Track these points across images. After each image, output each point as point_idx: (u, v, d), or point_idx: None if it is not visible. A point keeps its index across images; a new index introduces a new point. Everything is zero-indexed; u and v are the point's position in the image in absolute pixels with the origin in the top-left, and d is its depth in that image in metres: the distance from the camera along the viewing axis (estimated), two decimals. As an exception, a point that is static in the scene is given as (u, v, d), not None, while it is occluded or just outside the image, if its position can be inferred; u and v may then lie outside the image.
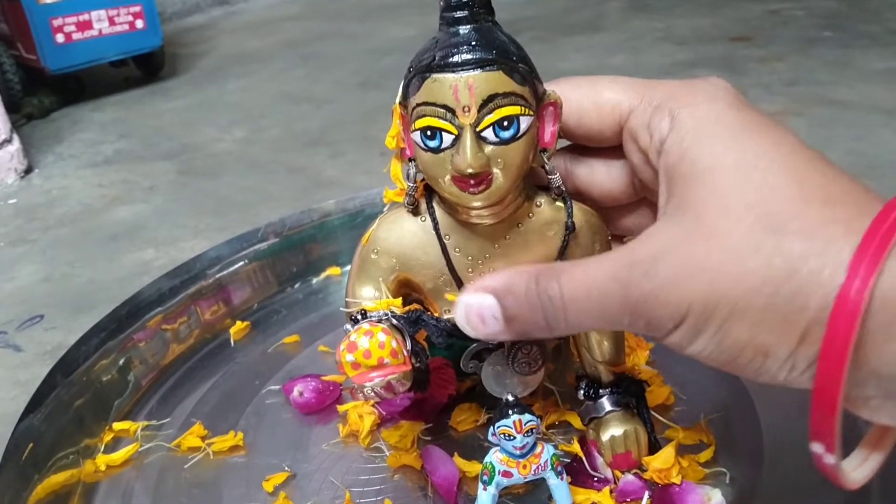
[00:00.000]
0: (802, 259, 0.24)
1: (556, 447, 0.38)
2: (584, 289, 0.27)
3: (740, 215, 0.25)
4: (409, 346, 0.33)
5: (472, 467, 0.38)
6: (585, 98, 0.33)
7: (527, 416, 0.33)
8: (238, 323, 0.54)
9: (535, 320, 0.28)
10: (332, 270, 0.60)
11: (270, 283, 0.59)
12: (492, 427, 0.34)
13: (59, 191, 1.06)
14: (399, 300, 0.35)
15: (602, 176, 0.36)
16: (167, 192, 1.00)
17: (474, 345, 0.38)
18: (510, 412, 0.33)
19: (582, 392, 0.38)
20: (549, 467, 0.35)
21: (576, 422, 0.40)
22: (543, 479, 0.35)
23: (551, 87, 0.33)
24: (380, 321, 0.33)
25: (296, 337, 0.52)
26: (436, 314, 0.36)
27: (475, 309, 0.29)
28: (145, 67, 1.67)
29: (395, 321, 0.34)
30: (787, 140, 0.27)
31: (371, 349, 0.31)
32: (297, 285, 0.60)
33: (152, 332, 0.52)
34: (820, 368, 0.23)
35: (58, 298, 0.74)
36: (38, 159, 1.20)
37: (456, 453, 0.39)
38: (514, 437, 0.33)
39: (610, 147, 0.34)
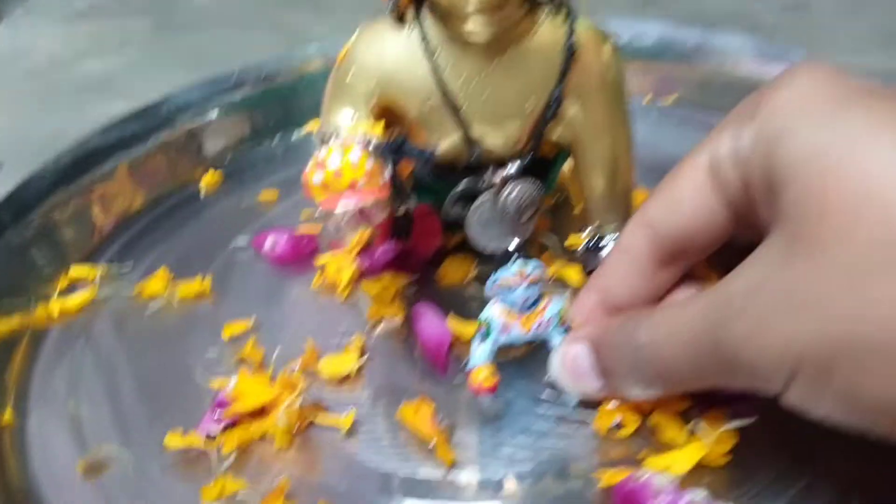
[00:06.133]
0: None
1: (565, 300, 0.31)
2: (669, 334, 0.22)
3: (847, 218, 0.19)
4: (388, 173, 0.29)
5: (464, 329, 0.34)
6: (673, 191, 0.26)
7: (532, 265, 0.29)
8: (210, 172, 0.50)
9: (629, 375, 0.24)
10: (315, 124, 0.55)
11: (245, 133, 0.54)
12: (491, 278, 0.30)
13: (27, 43, 0.99)
14: (380, 125, 0.31)
15: None
16: (141, 47, 0.94)
17: (461, 187, 0.34)
18: (512, 260, 0.30)
19: (583, 245, 0.35)
20: (554, 325, 0.30)
21: (573, 277, 0.36)
22: (545, 343, 0.30)
23: None
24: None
25: (274, 192, 0.48)
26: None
27: (569, 361, 0.27)
28: (121, -81, 1.55)
29: (373, 146, 0.29)
30: None
31: (343, 169, 0.26)
32: (275, 138, 0.55)
33: (114, 175, 0.47)
34: None
35: (19, 147, 0.69)
36: (5, 11, 1.12)
37: (452, 312, 0.35)
38: (516, 289, 0.29)
39: None
